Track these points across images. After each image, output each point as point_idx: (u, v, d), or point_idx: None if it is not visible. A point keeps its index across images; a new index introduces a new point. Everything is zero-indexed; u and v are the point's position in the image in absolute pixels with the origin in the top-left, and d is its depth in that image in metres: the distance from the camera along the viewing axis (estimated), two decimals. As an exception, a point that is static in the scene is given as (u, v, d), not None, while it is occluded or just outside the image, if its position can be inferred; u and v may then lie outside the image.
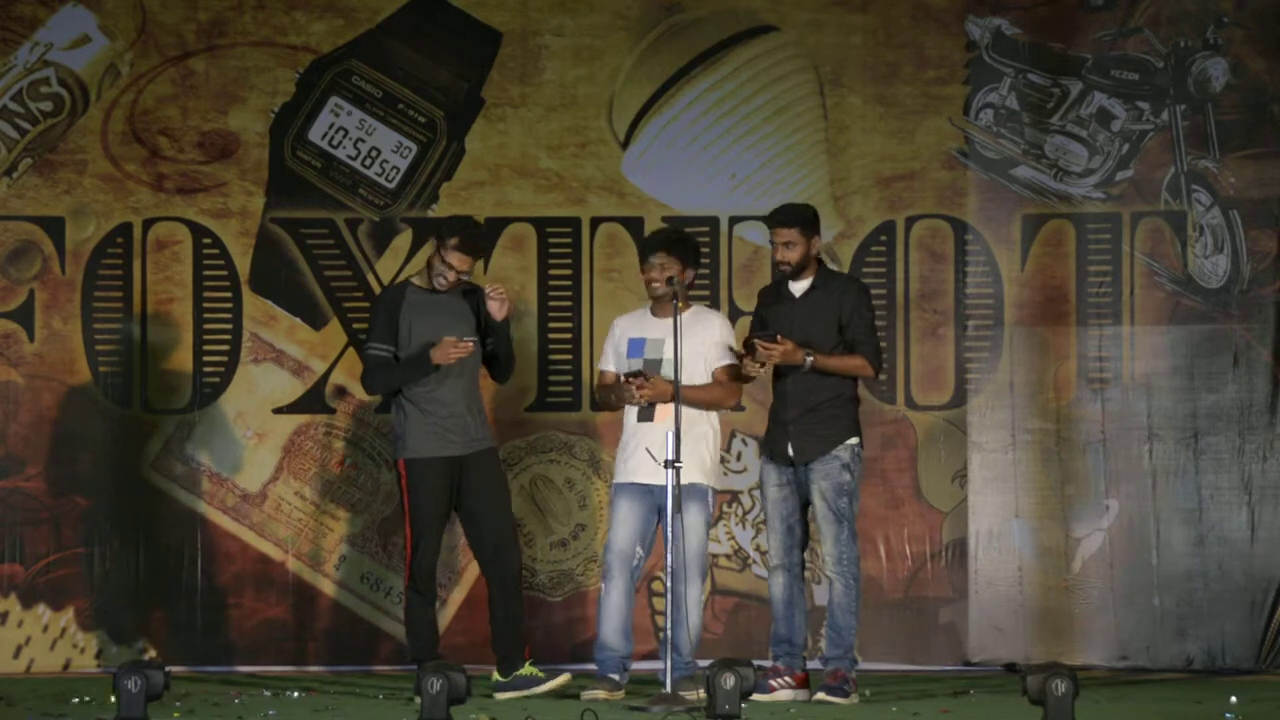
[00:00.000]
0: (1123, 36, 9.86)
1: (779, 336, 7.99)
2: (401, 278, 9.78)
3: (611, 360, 8.38)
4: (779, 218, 8.20)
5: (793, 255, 8.13)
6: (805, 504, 8.20)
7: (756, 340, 8.01)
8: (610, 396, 8.35)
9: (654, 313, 8.32)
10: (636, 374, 8.11)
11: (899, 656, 9.70)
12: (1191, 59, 9.83)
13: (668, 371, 8.11)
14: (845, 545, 8.08)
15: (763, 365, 8.05)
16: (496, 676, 8.23)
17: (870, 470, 9.76)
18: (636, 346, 8.26)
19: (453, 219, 8.48)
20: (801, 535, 8.21)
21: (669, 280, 8.15)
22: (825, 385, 8.09)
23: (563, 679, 8.16)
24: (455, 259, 8.21)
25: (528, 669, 8.17)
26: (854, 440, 8.16)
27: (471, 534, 8.31)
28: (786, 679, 8.13)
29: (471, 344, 8.16)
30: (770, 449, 8.22)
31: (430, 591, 8.29)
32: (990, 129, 9.88)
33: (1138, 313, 9.79)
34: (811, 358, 8.01)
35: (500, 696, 8.08)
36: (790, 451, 8.11)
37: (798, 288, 8.20)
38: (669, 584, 7.97)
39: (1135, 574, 9.72)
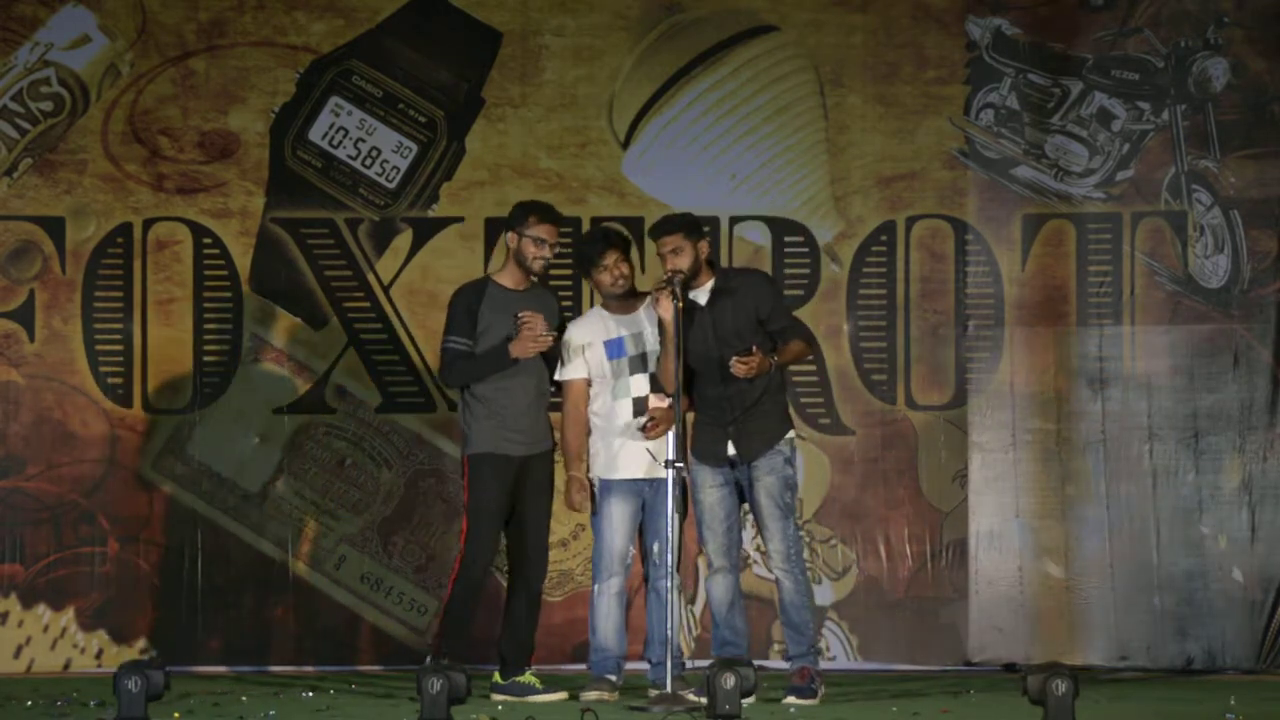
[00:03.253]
0: (1123, 36, 9.86)
1: (754, 348, 7.96)
2: (403, 277, 9.81)
3: (582, 367, 8.23)
4: (661, 227, 8.12)
5: (682, 261, 8.04)
6: (739, 503, 8.17)
7: (734, 361, 7.96)
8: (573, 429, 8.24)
9: (612, 311, 8.26)
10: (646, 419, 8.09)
11: (899, 656, 9.70)
12: (1192, 59, 9.83)
13: (653, 364, 8.12)
14: (792, 540, 8.07)
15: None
16: (496, 677, 8.22)
17: (870, 470, 9.77)
18: (617, 348, 8.21)
19: (517, 207, 8.31)
20: (738, 537, 8.21)
21: (669, 280, 8.11)
22: (761, 382, 8.06)
23: (559, 695, 8.11)
24: (544, 230, 8.16)
25: (527, 677, 8.16)
26: (791, 433, 8.15)
27: (512, 534, 8.24)
28: None
29: (552, 337, 8.12)
30: (706, 450, 8.12)
31: (478, 592, 8.20)
32: (991, 129, 9.88)
33: (1138, 313, 9.79)
34: (776, 360, 8.02)
35: (495, 697, 8.08)
36: (732, 451, 8.08)
37: (701, 295, 8.11)
38: (666, 584, 7.96)
39: (1135, 574, 9.72)
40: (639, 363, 8.20)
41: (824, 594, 9.64)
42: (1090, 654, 9.68)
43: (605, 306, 8.31)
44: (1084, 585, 9.73)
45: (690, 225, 8.12)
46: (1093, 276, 9.83)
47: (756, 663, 7.67)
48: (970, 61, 9.88)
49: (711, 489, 8.13)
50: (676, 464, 7.82)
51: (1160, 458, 9.76)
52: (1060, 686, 6.62)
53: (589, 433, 8.24)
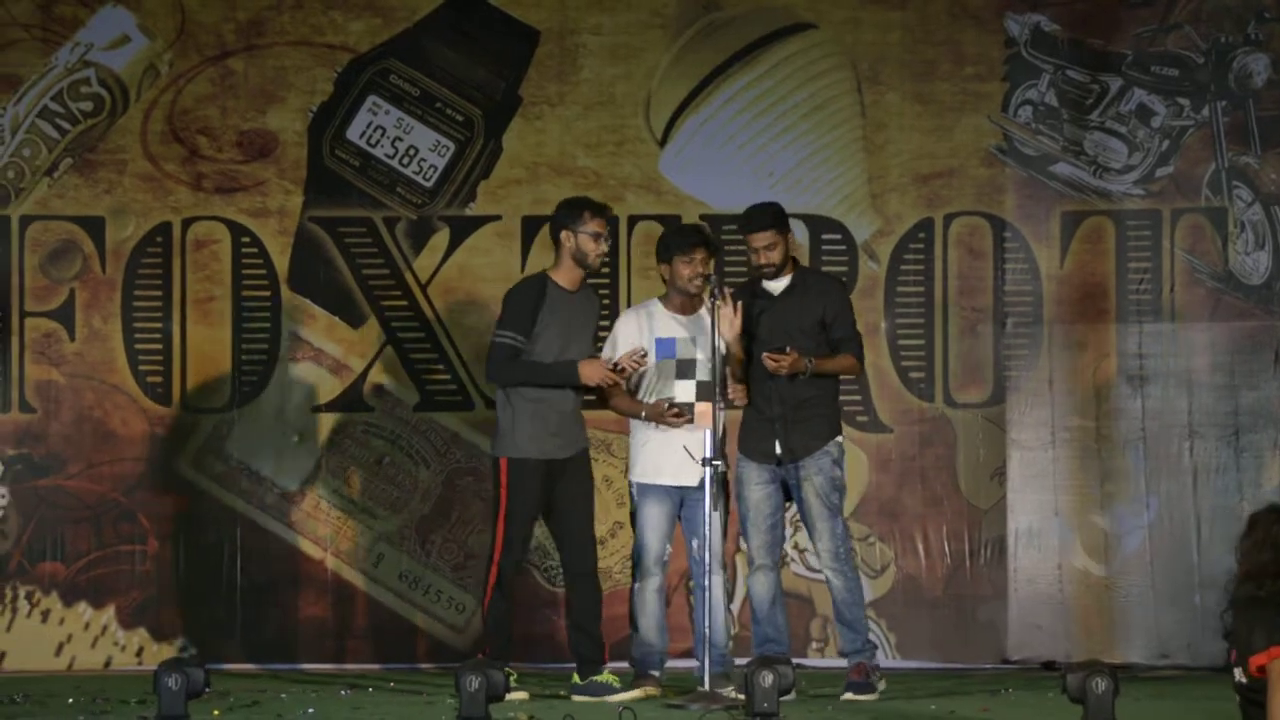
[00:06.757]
0: (1163, 32, 9.81)
1: (788, 349, 7.96)
2: (440, 275, 9.81)
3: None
4: (754, 223, 8.12)
5: (775, 256, 8.09)
6: (783, 501, 8.16)
7: (765, 356, 7.97)
8: (621, 404, 8.19)
9: (670, 308, 8.20)
10: (676, 408, 8.04)
11: (938, 654, 9.67)
12: (1232, 55, 9.78)
13: (705, 372, 8.08)
14: (841, 539, 8.07)
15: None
16: (574, 678, 8.20)
17: (908, 468, 9.75)
18: (667, 347, 8.17)
19: (568, 205, 8.28)
20: (781, 534, 8.21)
21: (707, 278, 8.11)
22: (813, 384, 8.06)
23: (636, 694, 8.01)
24: (600, 225, 8.15)
25: (605, 676, 8.10)
26: (841, 437, 8.16)
27: (557, 534, 8.25)
28: None
29: (621, 382, 8.06)
30: (754, 447, 8.15)
31: (511, 592, 8.21)
32: (1029, 126, 9.85)
33: (1178, 309, 9.75)
34: (813, 364, 7.99)
35: (575, 699, 8.05)
36: (778, 449, 8.08)
37: (775, 287, 8.14)
38: (705, 580, 7.95)
39: (1176, 572, 9.67)
40: (687, 368, 8.14)
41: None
42: (1130, 652, 9.63)
43: (666, 302, 8.23)
44: (1124, 583, 9.69)
45: (780, 217, 8.12)
46: (1132, 273, 9.79)
47: (795, 660, 7.65)
48: (1009, 58, 9.85)
49: (757, 486, 8.12)
50: (714, 462, 7.80)
51: (1201, 455, 9.71)
52: (1100, 685, 6.59)
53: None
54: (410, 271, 9.85)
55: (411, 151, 9.88)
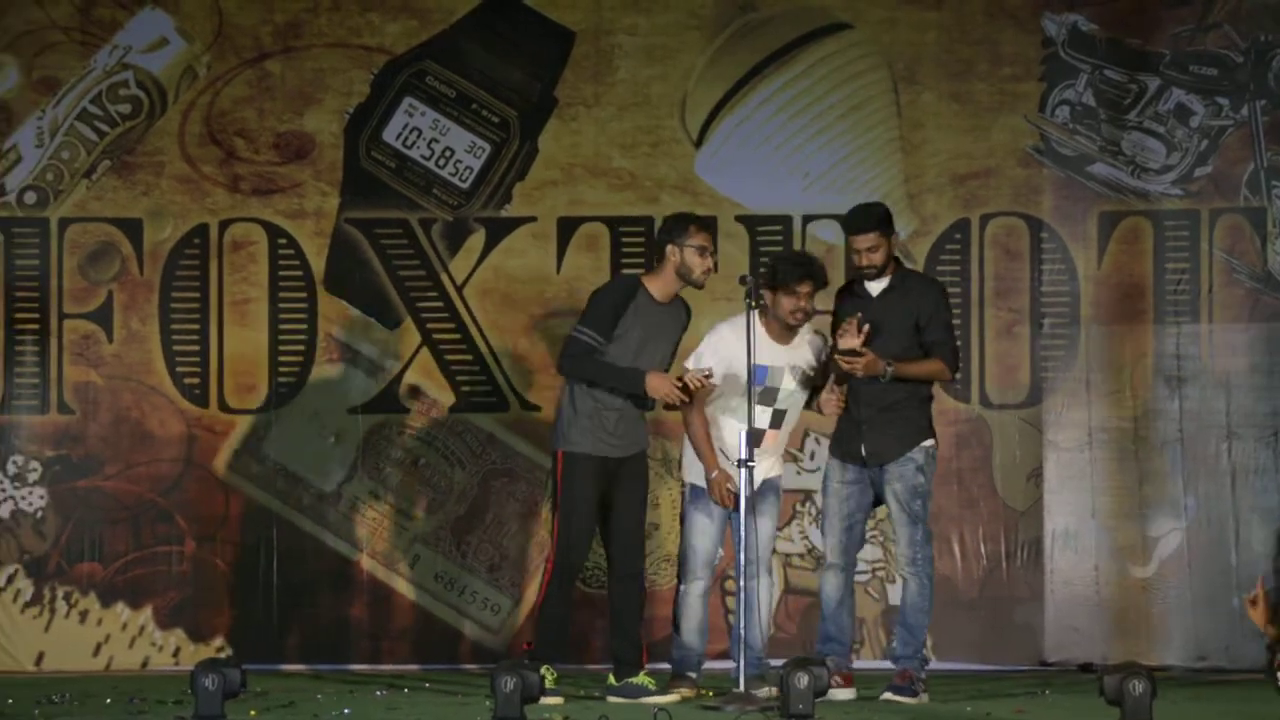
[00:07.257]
0: (1201, 31, 9.77)
1: (859, 349, 7.91)
2: (476, 277, 9.83)
3: (718, 368, 8.03)
4: (856, 224, 8.04)
5: (877, 258, 8.01)
6: (870, 504, 8.14)
7: (838, 356, 7.94)
8: (697, 435, 8.07)
9: (769, 334, 8.02)
10: (731, 491, 7.95)
11: (974, 656, 9.64)
12: (1272, 54, 9.73)
13: (784, 401, 8.05)
14: (919, 546, 8.03)
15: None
16: (610, 679, 8.20)
17: (945, 469, 9.71)
18: (760, 373, 7.99)
19: (672, 220, 8.25)
20: (860, 536, 8.16)
21: (744, 278, 8.06)
22: (901, 386, 8.00)
23: (672, 697, 7.99)
24: (703, 238, 8.11)
25: (641, 678, 8.09)
26: (929, 442, 8.09)
27: (606, 533, 8.22)
28: (836, 679, 7.98)
29: (688, 400, 8.01)
30: (841, 447, 8.14)
31: (571, 590, 8.18)
32: (1066, 126, 9.81)
33: (1216, 310, 9.70)
34: (891, 367, 7.93)
35: (610, 700, 8.05)
36: (863, 452, 8.05)
37: (874, 287, 8.07)
38: (741, 581, 7.94)
39: (1214, 573, 9.63)
40: (768, 395, 8.07)
41: (898, 593, 9.58)
42: (1168, 654, 9.59)
43: (765, 326, 8.08)
44: (1162, 585, 9.65)
45: (883, 219, 8.04)
46: (1170, 274, 9.75)
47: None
48: (1046, 58, 9.82)
49: (839, 485, 8.10)
50: (749, 463, 7.78)
51: (1239, 456, 9.67)
52: (1137, 687, 6.57)
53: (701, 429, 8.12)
54: (446, 273, 9.86)
55: (447, 153, 9.89)
